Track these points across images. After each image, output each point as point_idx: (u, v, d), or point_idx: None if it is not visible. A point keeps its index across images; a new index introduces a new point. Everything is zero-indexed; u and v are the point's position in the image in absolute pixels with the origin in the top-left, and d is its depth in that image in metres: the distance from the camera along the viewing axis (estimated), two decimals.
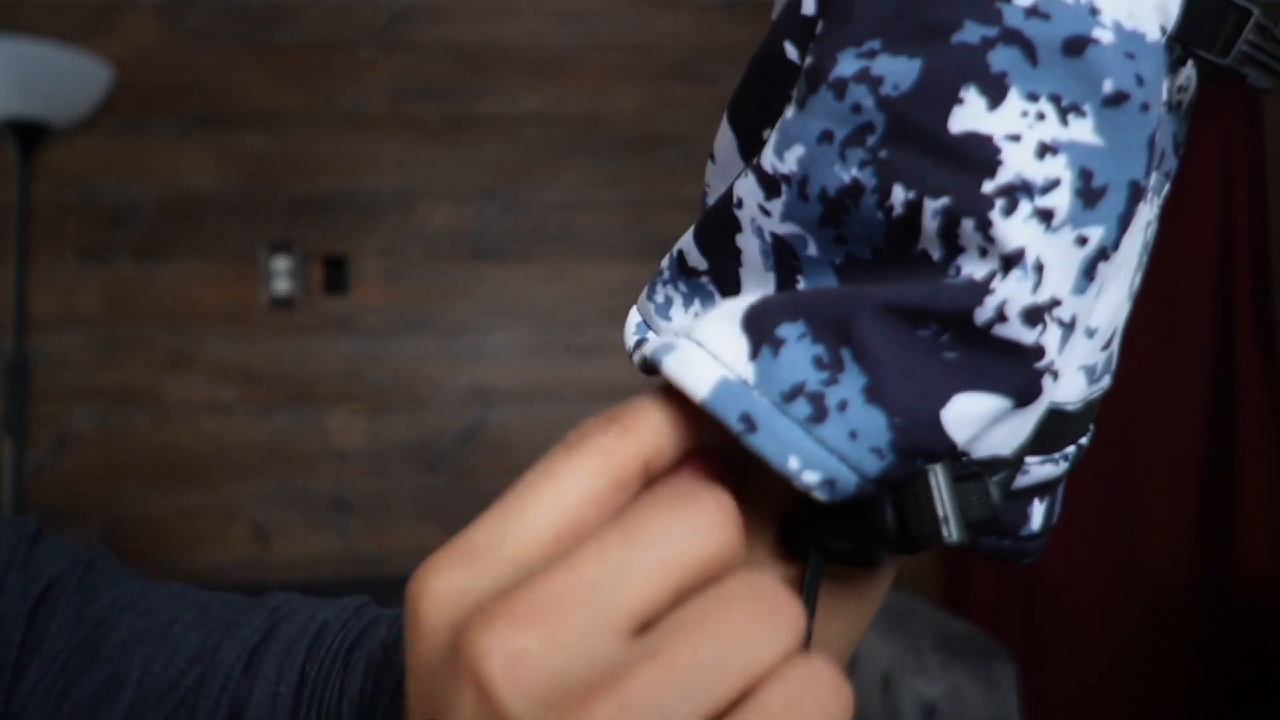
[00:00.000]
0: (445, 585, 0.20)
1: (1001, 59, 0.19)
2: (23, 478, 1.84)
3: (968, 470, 0.21)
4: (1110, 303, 0.22)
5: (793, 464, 0.20)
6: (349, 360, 2.29)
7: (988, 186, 0.20)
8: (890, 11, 0.20)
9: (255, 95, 2.32)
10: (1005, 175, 0.19)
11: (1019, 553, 0.24)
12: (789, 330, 0.21)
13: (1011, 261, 0.20)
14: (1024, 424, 0.21)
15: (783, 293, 0.22)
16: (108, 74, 1.92)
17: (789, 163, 0.21)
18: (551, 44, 2.40)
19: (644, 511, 0.19)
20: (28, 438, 2.14)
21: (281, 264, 2.26)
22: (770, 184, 0.21)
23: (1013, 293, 0.20)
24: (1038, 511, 0.24)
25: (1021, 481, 0.23)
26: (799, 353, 0.21)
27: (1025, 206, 0.20)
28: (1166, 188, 0.22)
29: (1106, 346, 0.23)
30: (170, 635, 0.37)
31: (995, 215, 0.20)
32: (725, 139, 0.24)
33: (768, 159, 0.21)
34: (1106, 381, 0.24)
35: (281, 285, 2.26)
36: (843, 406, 0.20)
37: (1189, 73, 0.21)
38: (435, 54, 2.37)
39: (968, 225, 0.20)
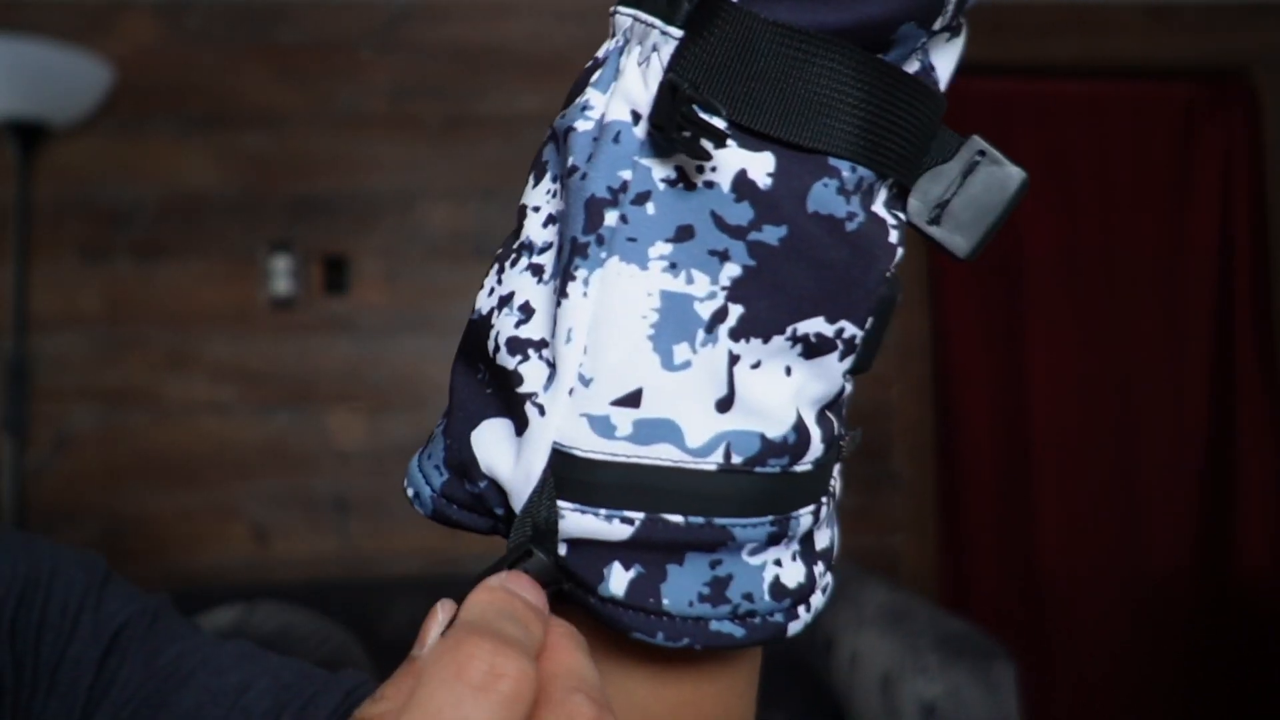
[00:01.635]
0: None
1: (547, 150, 0.26)
2: (23, 478, 1.84)
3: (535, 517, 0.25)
4: (610, 356, 0.23)
5: (406, 484, 0.29)
6: (349, 360, 2.29)
7: (512, 243, 0.26)
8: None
9: (255, 95, 2.32)
10: (522, 235, 0.26)
11: (613, 620, 0.24)
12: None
13: (505, 301, 0.25)
14: (532, 453, 0.24)
15: None
16: (108, 74, 1.92)
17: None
18: (551, 44, 2.40)
19: None
20: (28, 438, 2.14)
21: (281, 264, 2.26)
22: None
23: (503, 325, 0.25)
24: (618, 574, 0.24)
25: (564, 529, 0.24)
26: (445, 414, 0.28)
27: (524, 260, 0.26)
28: (731, 268, 0.23)
29: (625, 404, 0.23)
30: (244, 701, 0.37)
31: (507, 265, 0.26)
32: None
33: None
34: (666, 451, 0.23)
35: (281, 285, 2.26)
36: (433, 439, 0.28)
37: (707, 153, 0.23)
38: (435, 54, 2.37)
39: (493, 273, 0.26)
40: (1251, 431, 2.50)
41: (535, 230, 0.25)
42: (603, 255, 0.23)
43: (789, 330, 0.24)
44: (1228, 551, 2.49)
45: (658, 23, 0.24)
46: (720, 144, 0.22)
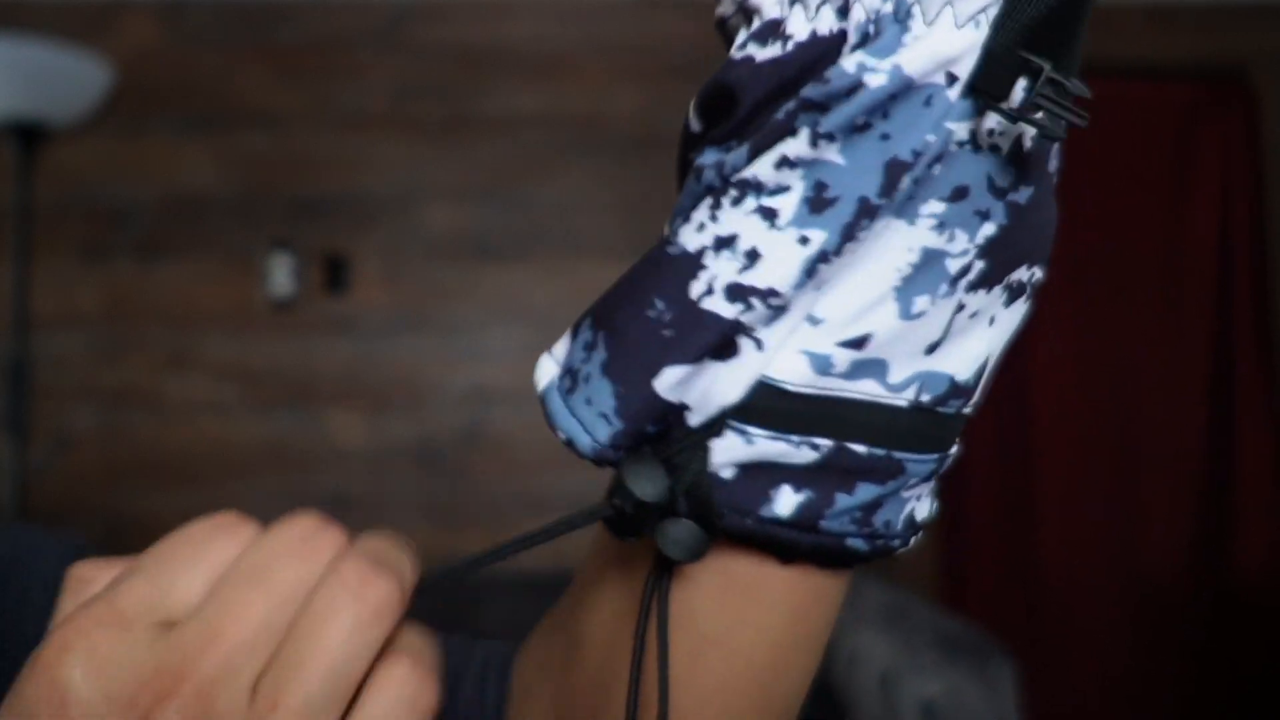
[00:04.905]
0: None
1: (803, 120, 0.23)
2: (23, 478, 1.84)
3: (670, 450, 0.25)
4: (850, 302, 0.24)
5: (555, 426, 0.26)
6: (349, 360, 2.29)
7: (734, 178, 0.24)
8: (747, 116, 0.24)
9: (255, 95, 2.32)
10: (745, 174, 0.24)
11: (774, 540, 0.26)
12: (584, 323, 0.26)
13: (724, 243, 0.24)
14: (728, 382, 0.24)
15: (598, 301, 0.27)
16: (108, 74, 1.93)
17: (677, 228, 0.26)
18: (551, 44, 2.40)
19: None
20: (28, 437, 2.15)
21: (281, 264, 2.26)
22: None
23: (721, 269, 0.24)
24: (786, 497, 0.25)
25: (745, 453, 0.24)
26: (579, 340, 0.26)
27: (750, 200, 0.24)
28: (989, 227, 0.24)
29: (850, 346, 0.24)
30: None
31: (725, 201, 0.24)
32: None
33: (666, 228, 0.26)
34: (869, 386, 0.24)
35: (281, 285, 2.26)
36: (587, 379, 0.25)
37: (998, 119, 0.23)
38: (435, 54, 2.37)
39: (704, 206, 0.24)
40: (1251, 431, 2.50)
41: (766, 170, 0.23)
42: (883, 216, 0.23)
43: (1005, 280, 0.25)
44: (1227, 551, 2.49)
45: None
46: (1083, 120, 0.21)
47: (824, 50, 0.23)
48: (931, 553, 2.40)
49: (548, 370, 0.27)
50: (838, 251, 0.23)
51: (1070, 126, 0.21)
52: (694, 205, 0.25)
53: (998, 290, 0.25)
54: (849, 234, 0.23)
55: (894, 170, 0.23)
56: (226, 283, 2.28)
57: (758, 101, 0.24)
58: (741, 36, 0.25)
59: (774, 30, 0.24)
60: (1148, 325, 2.53)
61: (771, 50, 0.24)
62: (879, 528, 0.26)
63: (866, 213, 0.23)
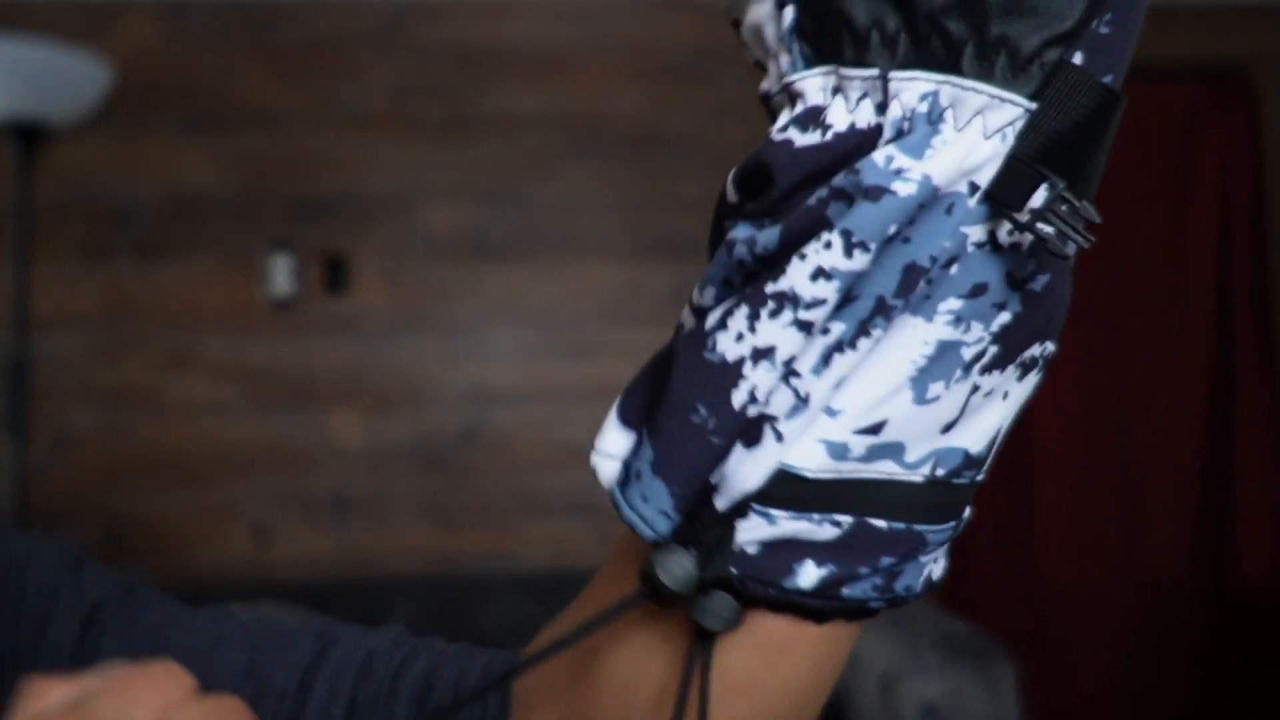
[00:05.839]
0: None
1: (833, 210, 0.24)
2: (23, 478, 1.84)
3: (697, 533, 0.27)
4: (867, 394, 0.25)
5: (621, 518, 0.28)
6: (349, 360, 2.29)
7: (769, 289, 0.25)
8: (781, 196, 0.25)
9: (255, 95, 2.32)
10: (781, 285, 0.25)
11: (796, 607, 0.27)
12: (624, 417, 0.29)
13: (762, 354, 0.25)
14: (749, 469, 0.26)
15: (634, 387, 0.29)
16: (108, 74, 1.93)
17: (706, 298, 0.27)
18: (551, 44, 2.40)
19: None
20: (28, 438, 2.14)
21: (281, 264, 2.26)
22: (695, 312, 0.28)
23: (761, 380, 0.25)
24: (809, 571, 0.26)
25: (768, 532, 0.26)
26: (629, 436, 0.28)
27: (787, 313, 0.25)
28: (1004, 316, 0.25)
29: (867, 433, 0.25)
30: (219, 654, 0.38)
31: (763, 313, 0.25)
32: None
33: (694, 294, 0.28)
34: (886, 466, 0.26)
35: (281, 285, 2.26)
36: (639, 475, 0.27)
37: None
38: (435, 54, 2.37)
39: (741, 313, 0.25)
40: (1251, 432, 2.50)
41: (802, 282, 0.24)
42: (899, 315, 0.25)
43: (1019, 359, 0.26)
44: (1228, 553, 2.49)
45: (1014, 97, 0.23)
46: (1088, 242, 0.22)
47: (860, 142, 0.24)
48: None
49: (608, 469, 0.29)
50: (852, 343, 0.25)
51: (1074, 241, 0.23)
52: (729, 297, 0.27)
53: (1011, 369, 0.26)
54: (863, 329, 0.24)
55: (911, 273, 0.24)
56: (226, 283, 2.28)
57: (793, 184, 0.25)
58: (784, 119, 0.26)
59: (815, 117, 0.25)
60: (1148, 326, 2.53)
61: (811, 137, 0.24)
62: (900, 593, 0.27)
63: (881, 310, 0.24)
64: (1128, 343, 2.52)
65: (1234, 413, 2.51)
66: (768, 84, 0.27)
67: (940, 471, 0.26)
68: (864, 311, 0.24)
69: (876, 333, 0.25)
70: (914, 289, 0.24)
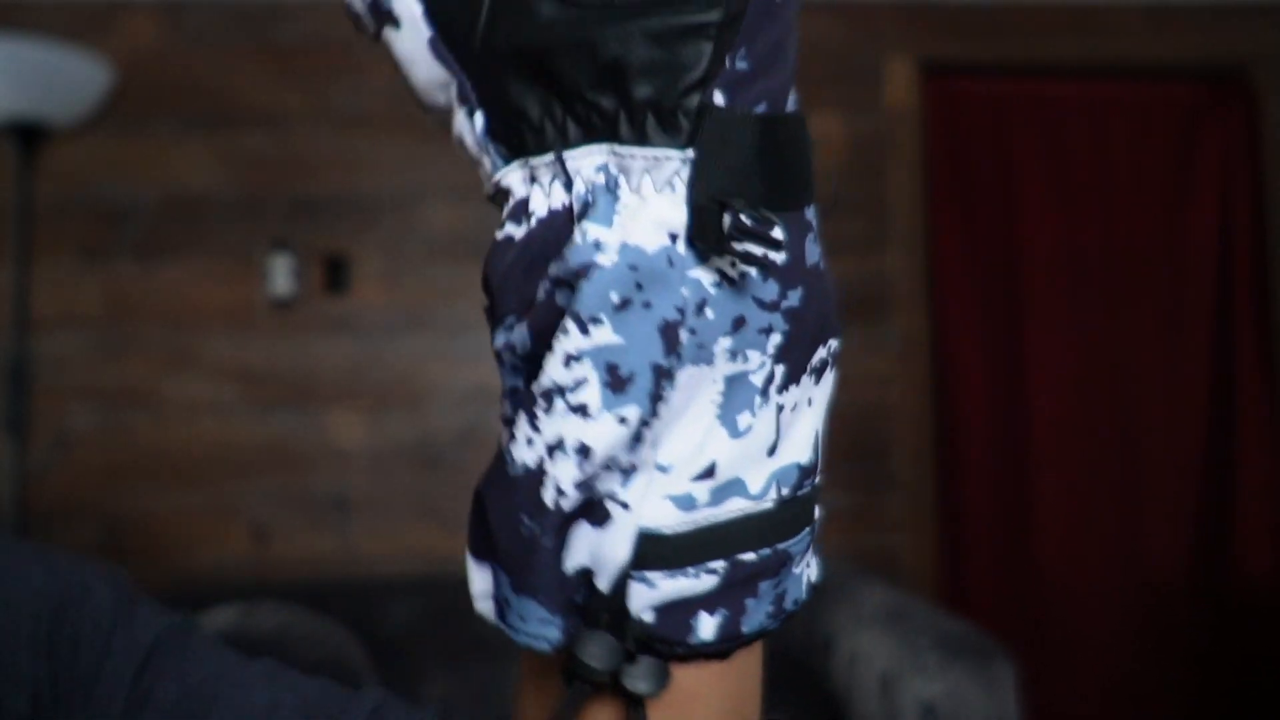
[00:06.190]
0: None
1: (560, 298, 0.25)
2: (23, 478, 1.84)
3: (597, 616, 0.27)
4: (685, 443, 0.26)
5: (518, 645, 0.29)
6: (349, 360, 2.29)
7: (536, 389, 0.26)
8: (513, 296, 0.27)
9: (255, 95, 2.32)
10: (544, 382, 0.26)
11: (699, 653, 0.28)
12: (475, 558, 0.29)
13: (553, 448, 0.26)
14: (612, 544, 0.26)
15: (471, 522, 0.30)
16: (108, 74, 1.93)
17: (506, 409, 0.28)
18: None
19: None
20: (28, 437, 2.15)
21: (281, 264, 2.26)
22: (505, 423, 0.28)
23: (560, 472, 0.26)
24: (705, 622, 0.27)
25: (653, 597, 0.27)
26: (486, 570, 0.29)
27: (559, 403, 0.25)
28: (775, 337, 0.26)
29: (703, 478, 0.26)
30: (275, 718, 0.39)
31: (539, 413, 0.26)
32: None
33: (502, 407, 0.29)
34: (736, 504, 0.27)
35: (281, 285, 2.26)
36: (508, 601, 0.28)
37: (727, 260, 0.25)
38: None
39: (522, 419, 0.26)
40: (1251, 432, 2.50)
41: (559, 371, 0.25)
42: (680, 369, 0.26)
43: (808, 368, 0.27)
44: (1228, 553, 2.49)
45: (667, 152, 0.25)
46: (778, 249, 0.24)
47: (560, 224, 0.25)
48: (932, 553, 2.40)
49: (485, 609, 0.29)
50: (654, 414, 0.25)
51: (768, 252, 0.24)
52: (514, 413, 0.28)
53: (805, 379, 0.27)
54: (656, 398, 0.25)
55: (669, 331, 0.25)
56: (226, 283, 2.28)
57: (508, 280, 0.26)
58: (503, 216, 0.27)
59: (524, 209, 0.26)
60: (1148, 326, 2.53)
61: (523, 229, 0.26)
62: (790, 608, 0.29)
63: (663, 375, 0.25)
64: (1128, 342, 2.52)
65: (1234, 413, 2.51)
66: (486, 188, 0.28)
67: (785, 491, 0.28)
68: (647, 384, 0.25)
69: (669, 394, 0.25)
70: (679, 344, 0.25)
